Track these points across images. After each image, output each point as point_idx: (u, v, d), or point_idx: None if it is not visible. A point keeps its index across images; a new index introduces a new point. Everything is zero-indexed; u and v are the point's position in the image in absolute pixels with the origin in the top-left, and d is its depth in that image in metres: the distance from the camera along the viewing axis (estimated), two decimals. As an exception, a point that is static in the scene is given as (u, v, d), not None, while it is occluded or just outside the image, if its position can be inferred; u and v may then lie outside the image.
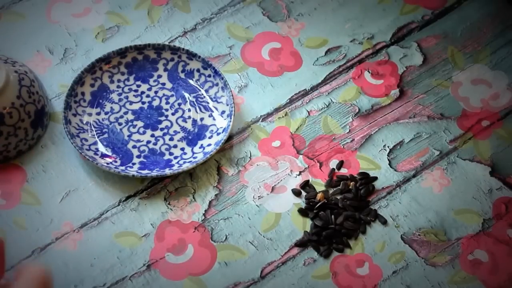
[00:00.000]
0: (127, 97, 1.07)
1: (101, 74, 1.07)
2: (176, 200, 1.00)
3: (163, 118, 1.05)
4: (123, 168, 1.01)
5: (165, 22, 1.14)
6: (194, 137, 1.04)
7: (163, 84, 1.08)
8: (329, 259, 0.97)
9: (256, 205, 1.00)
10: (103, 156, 1.02)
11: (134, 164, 1.02)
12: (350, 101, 1.09)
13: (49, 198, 1.00)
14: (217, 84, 1.07)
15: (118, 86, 1.07)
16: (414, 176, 1.03)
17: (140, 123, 1.05)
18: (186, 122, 1.05)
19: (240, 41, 1.13)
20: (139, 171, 1.01)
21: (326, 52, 1.13)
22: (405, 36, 1.15)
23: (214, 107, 1.06)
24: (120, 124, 1.05)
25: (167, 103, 1.07)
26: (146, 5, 1.16)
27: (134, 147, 1.03)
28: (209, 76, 1.08)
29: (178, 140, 1.04)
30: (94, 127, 1.04)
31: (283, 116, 1.07)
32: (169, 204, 1.00)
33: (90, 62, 1.06)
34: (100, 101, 1.06)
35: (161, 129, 1.05)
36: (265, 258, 0.97)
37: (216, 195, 1.01)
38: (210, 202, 1.00)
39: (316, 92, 1.10)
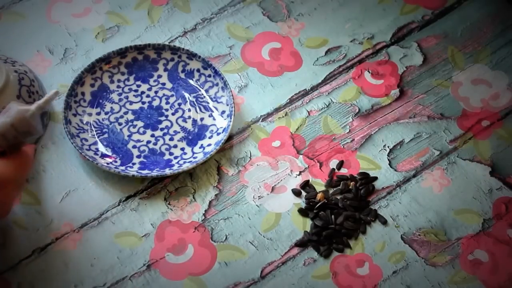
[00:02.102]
0: (127, 97, 1.07)
1: (101, 74, 1.07)
2: (176, 200, 1.00)
3: (163, 118, 1.05)
4: (123, 168, 1.01)
5: (165, 22, 1.14)
6: (194, 137, 1.04)
7: (163, 84, 1.08)
8: (329, 259, 0.97)
9: (256, 205, 1.00)
10: (103, 156, 1.02)
11: (134, 164, 1.02)
12: (350, 101, 1.09)
13: (49, 198, 1.00)
14: (217, 84, 1.07)
15: (118, 86, 1.07)
16: (414, 176, 1.03)
17: (140, 123, 1.05)
18: (186, 122, 1.05)
19: (240, 41, 1.13)
20: (139, 171, 1.01)
21: (326, 52, 1.13)
22: (405, 36, 1.15)
23: (214, 107, 1.06)
24: (120, 124, 1.05)
25: (167, 103, 1.07)
26: (146, 5, 1.16)
27: (134, 147, 1.03)
28: (209, 76, 1.08)
29: (178, 140, 1.04)
30: (94, 127, 1.04)
31: (283, 116, 1.07)
32: (169, 204, 1.00)
33: (90, 62, 1.06)
34: (100, 101, 1.06)
35: (161, 129, 1.05)
36: (265, 258, 0.97)
37: (216, 195, 1.01)
38: (210, 202, 1.00)
39: (316, 92, 1.10)
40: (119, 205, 1.00)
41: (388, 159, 1.04)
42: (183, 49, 1.08)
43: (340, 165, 1.03)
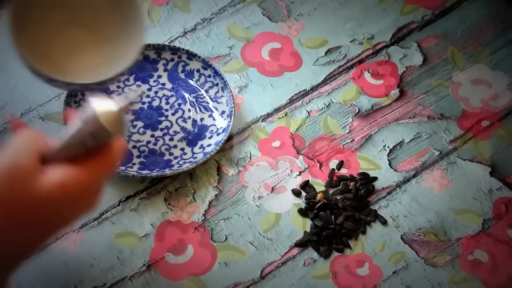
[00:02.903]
0: (127, 97, 1.07)
1: (101, 74, 1.07)
2: (176, 200, 1.00)
3: (163, 118, 1.05)
4: (123, 168, 1.01)
5: (165, 22, 1.14)
6: (194, 137, 1.05)
7: (163, 84, 1.08)
8: (329, 259, 0.97)
9: (256, 205, 1.00)
10: (103, 156, 1.02)
11: (134, 164, 1.02)
12: (350, 101, 1.09)
13: (49, 198, 1.00)
14: (217, 84, 1.07)
15: (118, 86, 1.07)
16: (414, 176, 1.03)
17: (140, 123, 1.05)
18: (186, 122, 1.05)
19: (240, 41, 1.13)
20: (139, 171, 1.01)
21: (326, 52, 1.13)
22: (405, 36, 1.15)
23: (214, 107, 1.06)
24: (120, 124, 1.05)
25: (167, 103, 1.07)
26: (146, 5, 1.16)
27: (134, 147, 1.03)
28: (209, 76, 1.08)
29: (178, 140, 1.04)
30: (94, 127, 1.04)
31: (283, 116, 1.07)
32: (169, 204, 1.00)
33: (90, 62, 1.06)
34: (100, 101, 1.06)
35: (161, 129, 1.05)
36: (265, 258, 0.97)
37: (216, 195, 1.01)
38: (210, 202, 1.00)
39: (316, 92, 1.10)
40: (119, 205, 1.00)
41: (388, 159, 1.04)
42: (183, 49, 1.08)
43: (340, 165, 1.03)
